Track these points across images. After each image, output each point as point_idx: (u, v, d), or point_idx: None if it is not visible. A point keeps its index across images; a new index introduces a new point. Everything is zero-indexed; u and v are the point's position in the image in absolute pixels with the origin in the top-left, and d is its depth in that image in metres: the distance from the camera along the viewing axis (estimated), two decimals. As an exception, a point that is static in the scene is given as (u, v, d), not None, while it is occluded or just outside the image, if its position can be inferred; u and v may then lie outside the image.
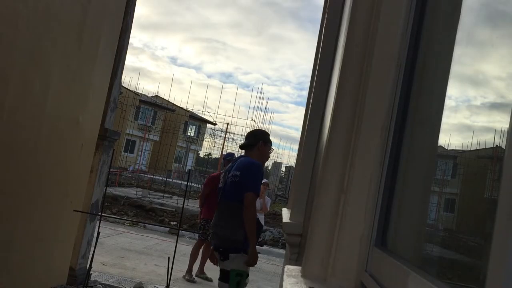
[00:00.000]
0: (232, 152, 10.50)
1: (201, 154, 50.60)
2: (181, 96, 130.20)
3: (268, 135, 4.23)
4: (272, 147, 4.17)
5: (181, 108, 37.46)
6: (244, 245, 3.62)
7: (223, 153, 30.71)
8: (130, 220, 12.50)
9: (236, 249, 3.61)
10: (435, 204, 1.15)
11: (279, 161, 35.80)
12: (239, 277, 3.55)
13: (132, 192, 17.53)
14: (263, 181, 10.59)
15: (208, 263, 7.20)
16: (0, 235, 3.95)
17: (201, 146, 45.75)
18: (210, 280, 7.10)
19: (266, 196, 9.45)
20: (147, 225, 12.00)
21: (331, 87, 2.74)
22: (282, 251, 10.25)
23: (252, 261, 3.59)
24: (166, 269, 4.77)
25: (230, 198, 3.76)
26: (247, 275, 3.70)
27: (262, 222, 9.32)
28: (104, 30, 5.18)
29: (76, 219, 5.23)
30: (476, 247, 0.90)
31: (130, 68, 74.37)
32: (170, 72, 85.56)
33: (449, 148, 1.06)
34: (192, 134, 46.67)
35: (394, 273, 1.05)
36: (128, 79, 53.99)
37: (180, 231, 6.31)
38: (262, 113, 35.54)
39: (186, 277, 7.01)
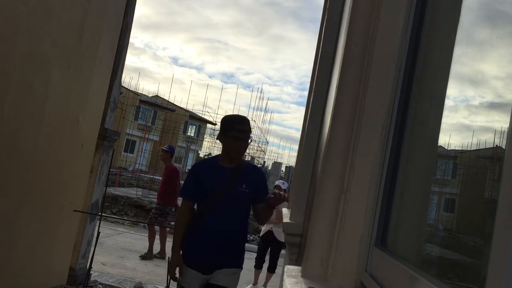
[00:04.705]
0: None
1: (201, 154, 50.56)
2: (181, 96, 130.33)
3: (225, 120, 3.06)
4: (236, 130, 2.94)
5: (181, 108, 37.44)
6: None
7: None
8: (130, 220, 12.49)
9: None
10: (435, 204, 1.14)
11: (279, 161, 35.76)
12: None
13: (132, 192, 17.50)
14: (279, 184, 6.99)
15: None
16: (0, 235, 3.95)
17: (201, 146, 45.73)
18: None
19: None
20: (147, 225, 12.00)
21: (331, 87, 2.74)
22: (282, 251, 10.21)
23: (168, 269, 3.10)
24: (166, 269, 4.76)
25: None
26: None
27: (280, 238, 6.60)
28: (104, 30, 5.17)
29: (76, 219, 5.23)
30: (476, 247, 0.90)
31: (131, 68, 74.22)
32: (171, 72, 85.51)
33: (449, 148, 1.06)
34: (192, 134, 46.67)
35: (394, 273, 1.05)
36: (128, 79, 53.99)
37: (180, 231, 6.31)
38: (262, 113, 35.45)
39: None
